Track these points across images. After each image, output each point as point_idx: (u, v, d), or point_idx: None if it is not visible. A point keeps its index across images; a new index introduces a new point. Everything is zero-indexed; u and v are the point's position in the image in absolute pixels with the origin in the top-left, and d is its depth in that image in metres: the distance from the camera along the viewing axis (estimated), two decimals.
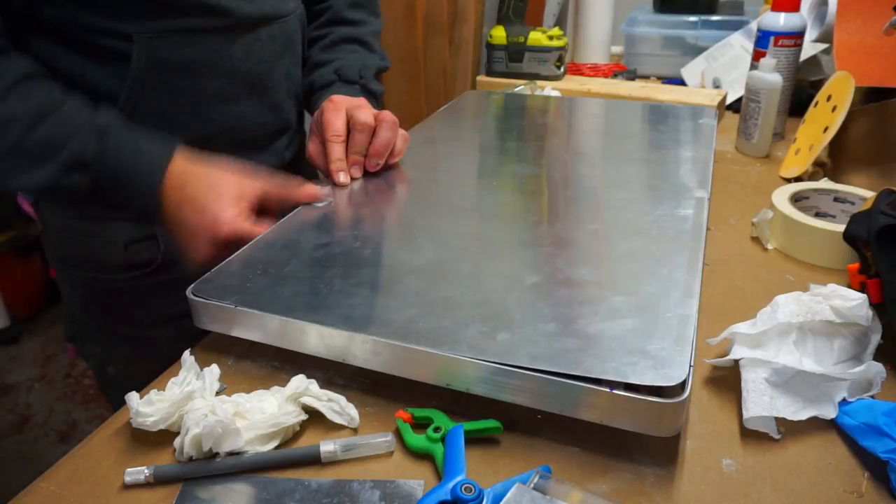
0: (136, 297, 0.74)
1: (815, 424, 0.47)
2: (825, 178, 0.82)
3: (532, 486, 0.39)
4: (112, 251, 0.71)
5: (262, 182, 0.64)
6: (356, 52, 0.84)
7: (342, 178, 0.71)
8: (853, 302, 0.50)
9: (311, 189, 0.67)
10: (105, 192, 0.61)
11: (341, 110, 0.72)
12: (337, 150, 0.71)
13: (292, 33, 0.77)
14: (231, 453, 0.45)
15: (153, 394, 0.47)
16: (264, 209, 0.64)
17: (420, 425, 0.47)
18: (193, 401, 0.46)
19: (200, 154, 0.64)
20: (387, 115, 0.72)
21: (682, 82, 1.33)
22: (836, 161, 0.89)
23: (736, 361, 0.50)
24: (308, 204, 0.67)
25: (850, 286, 0.55)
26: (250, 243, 0.61)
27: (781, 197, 0.74)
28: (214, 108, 0.71)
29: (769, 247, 0.72)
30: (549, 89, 1.16)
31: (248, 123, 0.75)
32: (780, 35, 0.97)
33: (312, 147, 0.75)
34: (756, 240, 0.74)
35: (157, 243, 0.72)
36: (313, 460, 0.45)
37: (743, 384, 0.48)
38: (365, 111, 0.71)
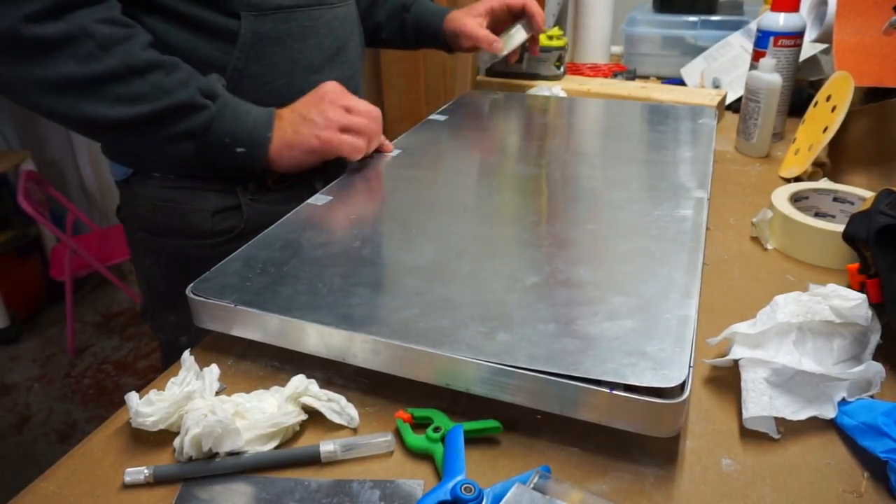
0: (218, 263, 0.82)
1: (815, 424, 0.47)
2: (825, 179, 0.82)
3: (532, 486, 0.39)
4: (200, 218, 0.79)
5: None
6: None
7: None
8: (853, 302, 0.50)
9: None
10: (220, 132, 0.69)
11: None
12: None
13: (356, 15, 0.90)
14: (231, 453, 0.45)
15: (153, 394, 0.47)
16: None
17: (420, 425, 0.47)
18: (193, 401, 0.46)
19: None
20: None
21: (681, 82, 1.33)
22: (835, 161, 0.89)
23: (735, 361, 0.50)
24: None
25: (849, 286, 0.55)
26: (250, 242, 0.61)
27: (781, 197, 0.74)
28: (304, 77, 0.79)
29: (769, 247, 0.72)
30: (558, 89, 1.16)
31: None
32: (779, 35, 0.97)
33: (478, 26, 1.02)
34: (756, 240, 0.74)
35: (240, 212, 0.80)
36: (313, 460, 0.45)
37: (742, 384, 0.48)
38: None
